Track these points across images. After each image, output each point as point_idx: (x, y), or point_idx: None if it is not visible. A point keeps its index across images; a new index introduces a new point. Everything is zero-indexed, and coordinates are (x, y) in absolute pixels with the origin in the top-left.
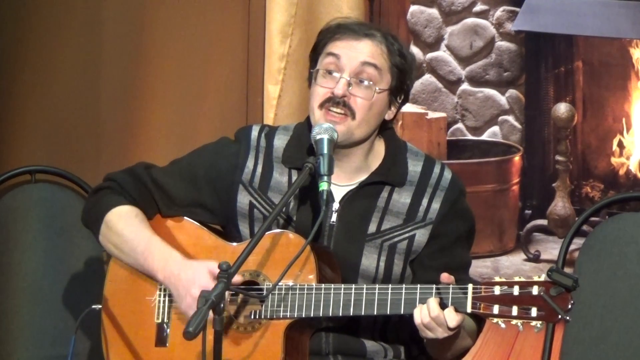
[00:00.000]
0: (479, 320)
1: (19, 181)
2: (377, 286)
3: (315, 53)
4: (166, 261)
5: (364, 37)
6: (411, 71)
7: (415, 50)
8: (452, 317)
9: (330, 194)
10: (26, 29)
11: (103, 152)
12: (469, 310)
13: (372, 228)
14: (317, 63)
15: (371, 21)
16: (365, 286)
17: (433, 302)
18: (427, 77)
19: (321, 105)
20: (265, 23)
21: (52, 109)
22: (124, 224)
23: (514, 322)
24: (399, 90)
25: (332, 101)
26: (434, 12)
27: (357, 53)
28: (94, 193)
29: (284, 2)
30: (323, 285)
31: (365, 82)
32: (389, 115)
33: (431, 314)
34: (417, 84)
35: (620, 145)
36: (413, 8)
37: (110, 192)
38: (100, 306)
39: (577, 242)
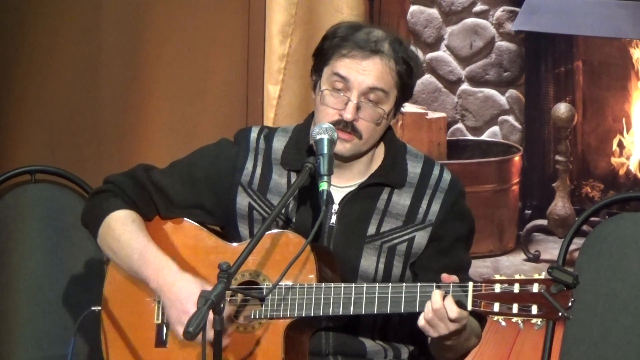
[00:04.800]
0: (481, 319)
1: (19, 181)
2: (377, 285)
3: (320, 59)
4: (160, 271)
5: (371, 55)
6: (416, 78)
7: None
8: (452, 308)
9: (330, 195)
10: (26, 29)
11: (103, 152)
12: (469, 308)
13: (371, 230)
14: (322, 74)
15: (371, 21)
16: (365, 285)
17: (436, 294)
18: (427, 77)
19: None
20: (265, 23)
21: (52, 109)
22: (121, 230)
23: (514, 319)
24: (404, 101)
25: (341, 124)
26: (434, 12)
27: (365, 76)
28: (93, 196)
29: (284, 2)
30: (323, 285)
31: (372, 103)
32: (393, 123)
33: (434, 306)
34: (417, 84)
35: (620, 145)
36: (413, 8)
37: (109, 195)
38: (99, 308)
39: (577, 242)
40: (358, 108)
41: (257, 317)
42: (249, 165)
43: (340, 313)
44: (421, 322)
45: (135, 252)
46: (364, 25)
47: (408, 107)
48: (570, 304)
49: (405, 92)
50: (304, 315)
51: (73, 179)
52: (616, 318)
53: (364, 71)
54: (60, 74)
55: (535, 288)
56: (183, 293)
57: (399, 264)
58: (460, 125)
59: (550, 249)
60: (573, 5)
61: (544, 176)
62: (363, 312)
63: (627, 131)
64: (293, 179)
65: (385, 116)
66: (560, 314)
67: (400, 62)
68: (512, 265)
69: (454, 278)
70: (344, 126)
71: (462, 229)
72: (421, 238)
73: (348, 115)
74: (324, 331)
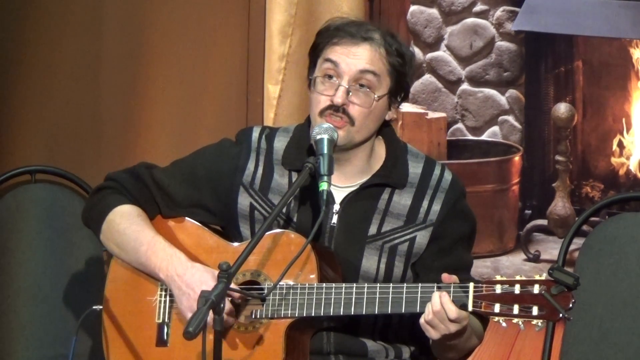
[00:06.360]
0: (483, 319)
1: (19, 181)
2: (378, 285)
3: (314, 55)
4: (169, 261)
5: (362, 42)
6: (411, 70)
7: (415, 50)
8: (451, 309)
9: (330, 194)
10: (26, 29)
11: (103, 152)
12: (470, 308)
13: (372, 230)
14: (316, 67)
15: (371, 21)
16: (366, 285)
17: (436, 296)
18: (427, 77)
19: (321, 113)
20: (265, 23)
21: (52, 109)
22: (127, 224)
23: (515, 320)
24: (399, 91)
25: (332, 109)
26: (434, 12)
27: (356, 60)
28: (95, 192)
29: (284, 2)
30: (324, 285)
31: (365, 89)
32: (389, 116)
33: (433, 308)
34: (417, 84)
35: (620, 145)
36: (413, 8)
37: (111, 191)
38: (100, 307)
39: (577, 242)
40: (349, 93)
41: (258, 316)
42: (251, 165)
43: (341, 313)
44: (422, 322)
45: (143, 245)
46: (357, 20)
47: (408, 107)
48: (570, 305)
49: (399, 82)
50: (304, 315)
51: (73, 179)
52: (616, 318)
53: (355, 56)
54: (60, 74)
55: (536, 289)
56: (195, 281)
57: (400, 264)
58: (460, 125)
59: (550, 249)
60: (573, 5)
61: (544, 176)
62: (364, 313)
63: (627, 131)
64: (294, 179)
65: (377, 99)
66: (560, 315)
67: (393, 54)
68: (512, 265)
69: (454, 278)
70: (335, 111)
71: (463, 228)
72: (422, 238)
73: (338, 99)
74: (325, 331)
